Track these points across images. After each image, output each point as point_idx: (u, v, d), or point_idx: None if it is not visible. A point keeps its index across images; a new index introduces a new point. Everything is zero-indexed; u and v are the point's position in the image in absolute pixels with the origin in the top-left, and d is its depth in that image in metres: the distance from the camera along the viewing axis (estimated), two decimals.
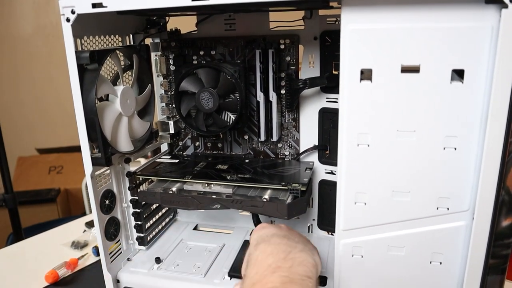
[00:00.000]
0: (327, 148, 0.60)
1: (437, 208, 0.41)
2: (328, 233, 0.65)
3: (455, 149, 0.38)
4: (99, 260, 0.54)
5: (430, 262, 0.43)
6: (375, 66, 0.38)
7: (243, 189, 0.53)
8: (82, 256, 0.68)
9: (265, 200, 0.50)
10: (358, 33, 0.37)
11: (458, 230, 0.41)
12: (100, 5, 0.43)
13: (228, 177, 0.54)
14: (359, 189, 0.42)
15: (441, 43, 0.36)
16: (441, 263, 0.42)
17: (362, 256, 0.44)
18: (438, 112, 0.38)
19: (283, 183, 0.51)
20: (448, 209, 0.40)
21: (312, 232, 0.66)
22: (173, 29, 0.62)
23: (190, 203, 0.53)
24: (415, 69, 0.37)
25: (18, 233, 1.09)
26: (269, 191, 0.52)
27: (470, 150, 0.38)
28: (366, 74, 0.39)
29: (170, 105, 0.64)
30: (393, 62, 0.37)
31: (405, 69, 0.37)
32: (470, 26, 0.35)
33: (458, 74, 0.36)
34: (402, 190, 0.41)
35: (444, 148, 0.39)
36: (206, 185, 0.54)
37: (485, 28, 0.34)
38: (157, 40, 0.62)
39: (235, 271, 0.53)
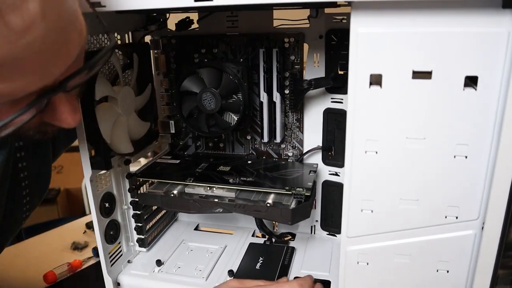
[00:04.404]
0: (332, 149, 0.59)
1: (446, 217, 0.40)
2: (331, 234, 0.64)
3: (466, 157, 0.37)
4: (99, 261, 0.53)
5: (437, 271, 0.42)
6: (385, 71, 0.36)
7: (246, 193, 0.52)
8: (89, 258, 0.67)
9: (268, 205, 0.49)
10: (368, 37, 0.36)
11: (467, 239, 0.40)
12: (98, 4, 0.41)
13: (231, 180, 0.53)
14: (366, 197, 0.41)
15: (455, 48, 0.34)
16: (448, 271, 0.42)
17: (367, 263, 0.43)
18: (450, 119, 0.36)
19: (286, 188, 0.50)
20: (456, 217, 0.40)
21: (315, 233, 0.65)
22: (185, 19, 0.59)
23: (191, 206, 0.52)
24: (426, 75, 0.36)
25: (18, 233, 1.08)
26: (272, 196, 0.51)
27: (482, 159, 0.37)
28: (375, 79, 0.37)
29: (171, 104, 0.63)
30: (404, 67, 0.36)
31: (416, 75, 0.36)
32: (486, 32, 0.33)
33: (472, 80, 0.35)
34: (410, 198, 0.40)
35: (454, 157, 0.37)
36: (208, 188, 0.53)
37: (502, 33, 0.33)
38: (157, 37, 0.61)
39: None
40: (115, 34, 0.54)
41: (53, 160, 0.67)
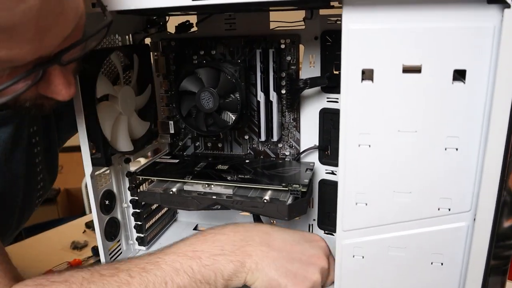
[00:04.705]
0: (328, 148, 0.60)
1: (438, 209, 0.41)
2: (328, 233, 0.65)
3: (457, 149, 0.38)
4: (99, 260, 0.54)
5: (431, 263, 0.42)
6: (377, 66, 0.38)
7: (244, 190, 0.53)
8: (89, 258, 0.67)
9: (265, 201, 0.50)
10: (359, 33, 0.37)
11: (460, 231, 0.41)
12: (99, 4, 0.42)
13: (229, 178, 0.54)
14: (360, 190, 0.42)
15: (443, 43, 0.36)
16: (442, 264, 0.42)
17: (363, 257, 0.44)
18: (440, 112, 0.38)
19: (283, 184, 0.51)
20: (449, 209, 0.40)
21: (312, 232, 0.66)
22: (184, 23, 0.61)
23: (190, 203, 0.53)
24: (416, 69, 0.37)
25: (18, 233, 1.09)
26: (269, 192, 0.52)
27: (472, 151, 0.38)
28: (367, 74, 0.38)
29: (170, 105, 0.64)
30: (395, 62, 0.37)
31: (407, 69, 0.37)
32: (472, 26, 0.35)
33: (460, 74, 0.36)
34: (403, 190, 0.41)
35: (445, 149, 0.38)
36: (207, 185, 0.54)
37: (487, 28, 0.34)
38: (157, 40, 0.62)
39: None
40: (116, 36, 0.55)
41: (59, 144, 0.68)
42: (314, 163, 0.61)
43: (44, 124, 0.61)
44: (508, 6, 0.33)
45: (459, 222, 0.40)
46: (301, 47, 0.58)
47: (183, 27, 0.61)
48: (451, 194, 0.40)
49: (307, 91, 0.57)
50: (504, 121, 0.35)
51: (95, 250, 0.68)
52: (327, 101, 0.58)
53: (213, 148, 0.66)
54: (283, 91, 0.59)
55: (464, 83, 0.36)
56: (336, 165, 0.60)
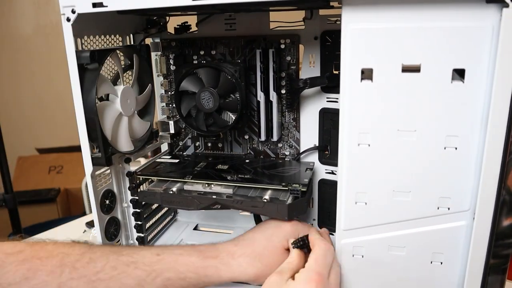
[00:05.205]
0: (328, 148, 0.60)
1: (438, 208, 0.41)
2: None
3: (456, 148, 0.38)
4: None
5: (431, 262, 0.43)
6: (376, 65, 0.38)
7: (244, 190, 0.53)
8: None
9: (265, 200, 0.50)
10: (358, 33, 0.37)
11: (459, 230, 0.41)
12: (100, 4, 0.43)
13: (229, 177, 0.54)
14: (359, 189, 0.42)
15: (442, 42, 0.36)
16: (441, 263, 0.42)
17: (362, 256, 0.44)
18: (439, 111, 0.38)
19: (283, 184, 0.51)
20: (448, 209, 0.40)
21: None
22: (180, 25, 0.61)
23: (190, 203, 0.53)
24: (416, 69, 0.37)
25: (18, 233, 1.09)
26: (269, 192, 0.52)
27: (471, 150, 0.38)
28: (366, 74, 0.39)
29: (170, 105, 0.64)
30: (394, 61, 0.37)
31: (406, 69, 0.37)
32: (471, 26, 0.35)
33: (459, 73, 0.36)
34: (403, 189, 0.41)
35: (445, 148, 0.39)
36: (207, 185, 0.54)
37: (486, 27, 0.34)
38: (157, 40, 0.62)
39: None
40: (116, 36, 0.56)
41: None
42: (314, 163, 0.61)
43: None
44: (506, 5, 0.33)
45: (459, 221, 0.41)
46: (301, 47, 0.58)
47: (182, 28, 0.61)
48: (450, 193, 0.40)
49: (307, 91, 0.57)
50: (503, 120, 0.35)
51: None
52: (327, 101, 0.58)
53: (213, 148, 0.66)
54: (283, 91, 0.59)
55: (463, 82, 0.36)
56: (336, 164, 0.60)
